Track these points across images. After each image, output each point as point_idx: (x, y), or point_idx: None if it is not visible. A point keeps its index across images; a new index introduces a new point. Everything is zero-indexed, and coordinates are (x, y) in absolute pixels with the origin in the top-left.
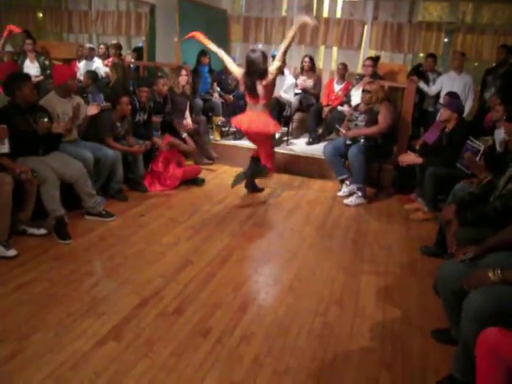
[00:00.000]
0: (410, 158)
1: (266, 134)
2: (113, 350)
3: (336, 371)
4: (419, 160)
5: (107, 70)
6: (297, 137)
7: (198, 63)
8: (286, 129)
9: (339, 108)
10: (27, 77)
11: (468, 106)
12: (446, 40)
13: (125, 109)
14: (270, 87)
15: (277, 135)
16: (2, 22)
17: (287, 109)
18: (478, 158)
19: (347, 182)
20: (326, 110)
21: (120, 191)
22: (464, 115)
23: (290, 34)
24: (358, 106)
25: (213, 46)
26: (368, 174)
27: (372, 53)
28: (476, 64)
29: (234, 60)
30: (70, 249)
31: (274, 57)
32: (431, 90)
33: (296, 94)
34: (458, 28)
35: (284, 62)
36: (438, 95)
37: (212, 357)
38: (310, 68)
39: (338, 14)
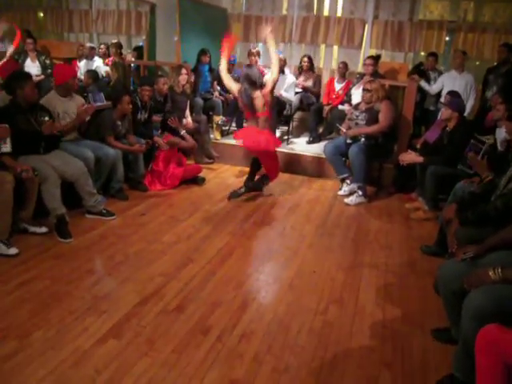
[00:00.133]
0: (410, 157)
1: (267, 151)
2: (114, 347)
3: (336, 369)
4: (420, 159)
5: (108, 69)
6: (297, 136)
7: (198, 62)
8: (286, 128)
9: (340, 107)
10: (28, 76)
11: (469, 104)
12: (447, 39)
13: (126, 108)
14: (267, 99)
15: (277, 134)
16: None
17: (288, 108)
18: (480, 157)
19: (348, 181)
20: (327, 108)
21: (120, 190)
22: (465, 114)
23: (274, 68)
24: (358, 104)
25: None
26: (368, 173)
27: (373, 51)
28: (477, 63)
29: (234, 59)
30: (71, 247)
31: None
32: (432, 88)
33: (296, 93)
34: (460, 26)
35: (284, 62)
36: (439, 94)
37: (212, 355)
38: (309, 68)
39: (339, 13)
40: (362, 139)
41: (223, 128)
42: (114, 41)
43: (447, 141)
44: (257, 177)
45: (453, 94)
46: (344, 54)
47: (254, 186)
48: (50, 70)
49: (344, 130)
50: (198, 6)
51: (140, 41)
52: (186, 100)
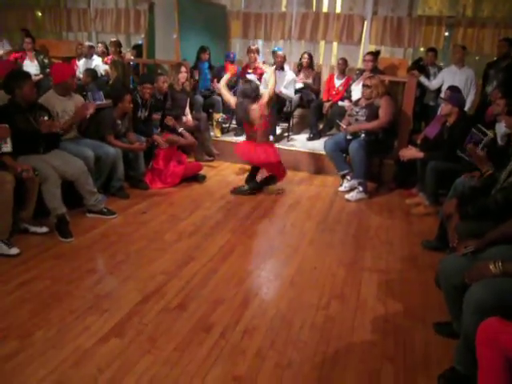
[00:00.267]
0: (410, 153)
1: (267, 163)
2: (116, 346)
3: (338, 364)
4: (420, 154)
5: (107, 67)
6: (297, 132)
7: (197, 60)
8: (286, 125)
9: (340, 103)
10: (27, 75)
11: (470, 99)
12: (446, 34)
13: (127, 106)
14: (263, 111)
15: (278, 131)
16: (1, 20)
17: (288, 105)
18: (480, 149)
19: (348, 177)
20: (327, 105)
21: (121, 189)
22: (466, 109)
23: (270, 80)
24: (358, 100)
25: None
26: (369, 169)
27: (372, 47)
28: (477, 58)
29: (234, 56)
30: (72, 247)
31: (274, 53)
32: (432, 84)
33: (297, 90)
34: (459, 22)
35: (284, 58)
36: (439, 89)
37: (215, 352)
38: (309, 65)
39: (338, 9)
40: (362, 135)
41: (223, 125)
42: (113, 39)
43: (447, 136)
44: (265, 175)
45: (453, 89)
46: (343, 51)
47: (258, 185)
48: (48, 70)
49: (344, 126)
50: (196, 4)
51: (139, 39)
52: (186, 98)
